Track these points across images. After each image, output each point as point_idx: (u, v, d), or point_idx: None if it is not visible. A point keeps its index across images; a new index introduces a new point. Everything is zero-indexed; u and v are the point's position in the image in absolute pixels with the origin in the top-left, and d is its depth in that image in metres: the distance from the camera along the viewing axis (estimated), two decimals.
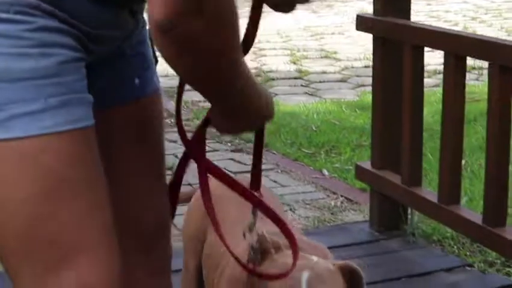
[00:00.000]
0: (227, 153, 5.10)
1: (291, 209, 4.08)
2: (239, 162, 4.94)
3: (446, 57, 3.20)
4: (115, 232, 1.43)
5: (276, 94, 6.87)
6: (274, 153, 5.07)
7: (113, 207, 1.65)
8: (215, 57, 1.32)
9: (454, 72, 3.17)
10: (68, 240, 1.36)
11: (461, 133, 3.22)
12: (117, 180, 1.65)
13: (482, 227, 3.08)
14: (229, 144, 5.32)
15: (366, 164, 3.78)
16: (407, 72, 3.40)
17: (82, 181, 1.37)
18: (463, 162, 4.48)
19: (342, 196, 4.29)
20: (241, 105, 1.46)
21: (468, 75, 6.99)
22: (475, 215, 3.19)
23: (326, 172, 4.69)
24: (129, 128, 1.65)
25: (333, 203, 4.20)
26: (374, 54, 3.63)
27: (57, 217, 1.35)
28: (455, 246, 3.61)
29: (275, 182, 4.55)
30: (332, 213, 4.06)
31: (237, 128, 1.55)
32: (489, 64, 3.00)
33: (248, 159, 5.01)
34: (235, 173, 4.71)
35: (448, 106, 3.22)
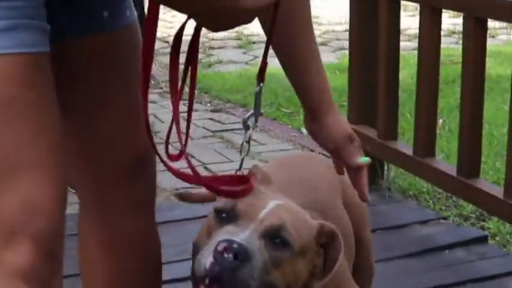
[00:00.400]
0: (206, 113, 5.11)
1: None
2: (218, 121, 4.95)
3: (421, 10, 3.20)
4: (62, 155, 1.43)
5: (257, 57, 6.85)
6: None
7: (90, 136, 1.67)
8: None
9: (430, 26, 3.17)
10: (10, 159, 1.37)
11: (436, 85, 3.23)
12: (91, 112, 1.66)
13: (456, 178, 3.11)
14: (208, 104, 5.33)
15: None
16: (383, 27, 3.40)
17: (28, 104, 1.37)
18: (441, 121, 4.52)
19: (319, 153, 4.30)
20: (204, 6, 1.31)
21: (448, 39, 7.12)
22: (450, 167, 3.22)
23: (304, 130, 4.70)
24: (102, 61, 1.64)
25: None
26: (350, 9, 3.62)
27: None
28: (431, 201, 3.65)
29: (254, 140, 4.52)
30: None
31: (220, 27, 1.40)
32: (464, 16, 3.01)
33: (227, 118, 5.03)
34: (214, 131, 4.73)
35: (424, 59, 3.23)
